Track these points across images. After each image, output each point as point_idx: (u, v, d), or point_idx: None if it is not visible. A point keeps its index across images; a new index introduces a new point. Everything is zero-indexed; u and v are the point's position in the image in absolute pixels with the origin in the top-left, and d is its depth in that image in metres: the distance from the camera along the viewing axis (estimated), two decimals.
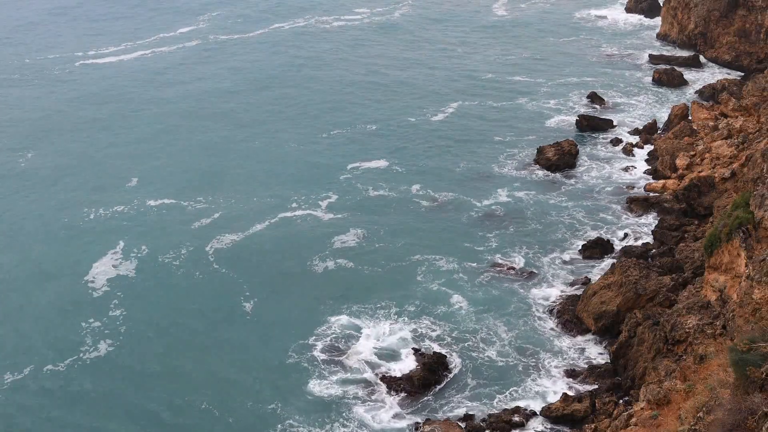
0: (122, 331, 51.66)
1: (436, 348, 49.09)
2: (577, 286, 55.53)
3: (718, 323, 42.00)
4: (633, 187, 69.43)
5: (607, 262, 57.05)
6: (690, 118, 78.46)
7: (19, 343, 50.93)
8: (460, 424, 43.35)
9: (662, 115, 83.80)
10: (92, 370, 48.33)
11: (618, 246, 60.21)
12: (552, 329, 51.38)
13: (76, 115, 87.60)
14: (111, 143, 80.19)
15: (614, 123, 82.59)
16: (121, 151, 78.21)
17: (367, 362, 48.51)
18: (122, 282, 56.85)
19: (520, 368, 47.91)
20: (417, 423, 43.83)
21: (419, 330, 51.24)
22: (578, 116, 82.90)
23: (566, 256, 59.36)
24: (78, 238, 62.73)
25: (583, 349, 49.64)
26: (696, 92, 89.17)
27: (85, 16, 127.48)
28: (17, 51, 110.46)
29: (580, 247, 60.32)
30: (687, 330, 42.85)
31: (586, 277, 56.56)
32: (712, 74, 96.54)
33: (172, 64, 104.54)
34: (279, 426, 44.02)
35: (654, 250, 58.83)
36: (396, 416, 44.55)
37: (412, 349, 49.36)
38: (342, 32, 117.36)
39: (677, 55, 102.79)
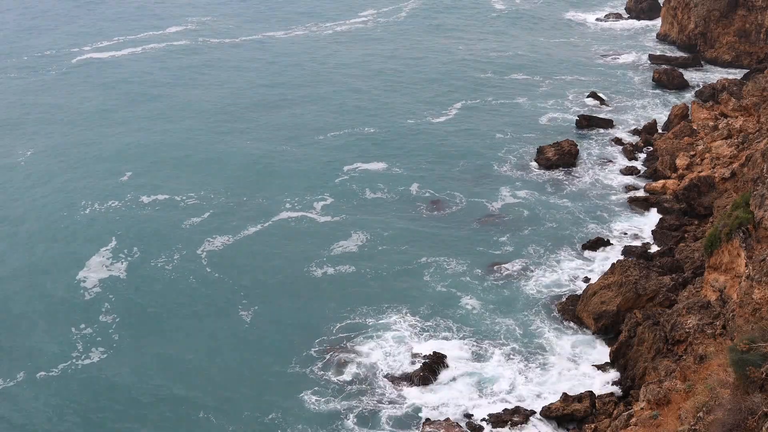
0: (115, 339, 50.80)
1: (437, 348, 49.04)
2: (577, 286, 55.52)
3: (718, 323, 42.01)
4: (633, 187, 69.44)
5: (607, 262, 57.02)
6: (690, 118, 78.50)
7: (11, 348, 50.31)
8: (460, 423, 43.39)
9: (662, 115, 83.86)
10: (85, 377, 47.59)
11: (618, 246, 60.22)
12: (552, 329, 51.35)
13: (73, 112, 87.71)
14: (107, 140, 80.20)
15: (614, 123, 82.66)
16: (115, 147, 78.12)
17: (368, 365, 48.48)
18: (114, 286, 56.08)
19: (520, 368, 47.87)
20: (417, 423, 43.85)
21: (419, 329, 51.18)
22: (578, 116, 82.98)
23: (566, 256, 59.37)
24: (70, 237, 62.42)
25: (582, 349, 49.62)
26: (696, 92, 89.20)
27: (79, 13, 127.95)
28: (15, 49, 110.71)
29: (579, 247, 60.35)
30: (687, 330, 42.86)
31: (586, 277, 56.56)
32: (712, 74, 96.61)
33: (166, 62, 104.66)
34: None
35: (654, 250, 58.86)
36: (397, 417, 44.51)
37: (413, 348, 49.34)
38: (341, 33, 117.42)
39: (677, 55, 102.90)
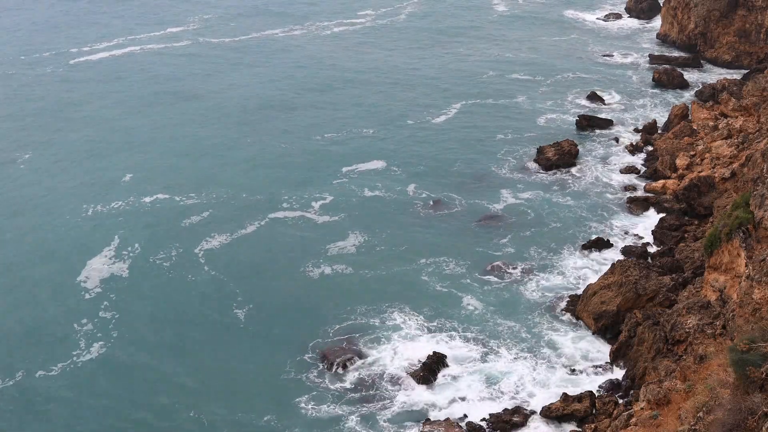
0: (114, 336, 50.95)
1: (436, 348, 48.99)
2: (577, 286, 55.48)
3: (718, 323, 42.02)
4: (633, 187, 69.42)
5: (607, 262, 56.99)
6: (690, 118, 78.46)
7: (11, 346, 50.38)
8: (460, 423, 43.37)
9: (662, 115, 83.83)
10: (83, 376, 47.66)
11: (618, 246, 60.20)
12: (552, 329, 51.31)
13: (72, 112, 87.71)
14: (107, 139, 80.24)
15: (614, 123, 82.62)
16: (117, 148, 78.21)
17: (367, 365, 48.45)
18: (114, 284, 56.23)
19: (520, 367, 47.84)
20: (417, 423, 43.82)
21: (419, 330, 51.15)
22: (578, 116, 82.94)
23: (566, 256, 59.34)
24: (72, 236, 62.52)
25: (583, 349, 49.60)
26: (696, 92, 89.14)
27: (79, 13, 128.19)
28: (11, 48, 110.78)
29: (579, 247, 60.32)
30: (687, 330, 42.87)
31: (587, 277, 56.48)
32: (712, 74, 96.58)
33: (164, 62, 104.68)
34: None
35: (654, 250, 58.85)
36: (397, 417, 44.50)
37: (413, 348, 49.28)
38: (340, 34, 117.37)
39: (677, 55, 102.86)
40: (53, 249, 60.97)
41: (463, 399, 45.68)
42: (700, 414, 28.41)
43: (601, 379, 46.65)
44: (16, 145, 79.52)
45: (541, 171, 72.72)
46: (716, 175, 63.81)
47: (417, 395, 45.94)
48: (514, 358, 48.65)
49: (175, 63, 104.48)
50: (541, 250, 60.06)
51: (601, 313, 50.39)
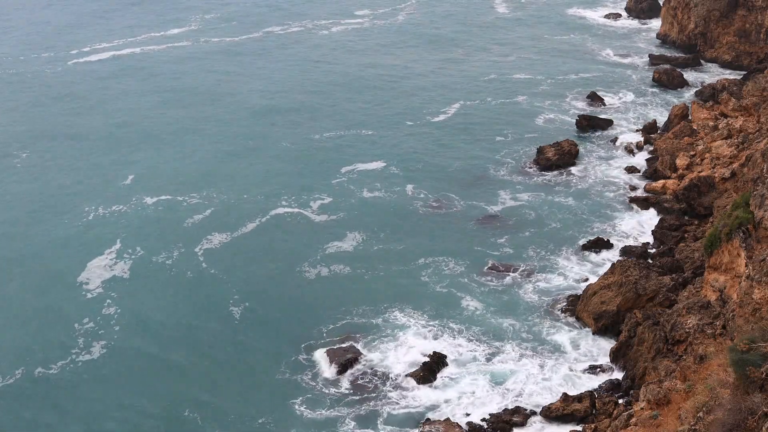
0: (113, 335, 50.99)
1: (436, 348, 48.94)
2: (577, 286, 55.45)
3: (718, 323, 42.00)
4: (633, 187, 69.38)
5: (607, 262, 56.95)
6: (690, 118, 78.43)
7: (10, 345, 50.34)
8: (460, 424, 43.32)
9: (662, 115, 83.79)
10: (83, 374, 47.70)
11: (618, 246, 60.16)
12: (552, 329, 51.26)
13: (72, 112, 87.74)
14: (107, 139, 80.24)
15: (614, 123, 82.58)
16: (117, 148, 78.28)
17: (366, 365, 48.38)
18: (115, 283, 56.28)
19: (520, 368, 47.76)
20: (417, 423, 43.78)
21: (418, 330, 51.09)
22: (578, 116, 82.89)
23: (566, 256, 59.30)
24: (74, 236, 62.53)
25: (583, 349, 49.55)
26: (696, 92, 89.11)
27: (74, 12, 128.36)
28: (11, 48, 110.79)
29: (579, 248, 60.28)
30: (687, 330, 42.85)
31: (586, 277, 56.48)
32: (712, 74, 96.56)
33: (164, 62, 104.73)
34: None
35: (654, 250, 58.83)
36: (396, 417, 44.45)
37: (412, 348, 49.23)
38: (339, 34, 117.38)
39: (677, 55, 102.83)
40: (53, 249, 60.90)
41: (462, 399, 45.63)
42: (700, 414, 28.39)
43: (601, 379, 46.62)
44: (16, 144, 79.49)
45: (541, 171, 72.66)
46: (716, 175, 63.79)
47: (417, 395, 45.89)
48: (515, 358, 48.58)
49: (175, 63, 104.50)
50: (541, 250, 60.01)
51: (601, 313, 50.36)
